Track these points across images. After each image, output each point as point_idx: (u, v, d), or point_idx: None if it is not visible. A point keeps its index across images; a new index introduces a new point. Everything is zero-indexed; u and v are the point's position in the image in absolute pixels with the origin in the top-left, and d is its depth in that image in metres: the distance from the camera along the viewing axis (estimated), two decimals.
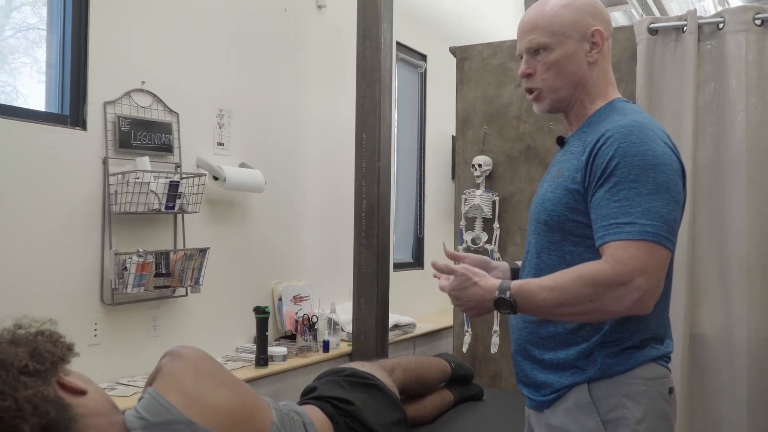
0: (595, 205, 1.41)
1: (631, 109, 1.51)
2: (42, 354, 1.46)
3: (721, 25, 2.75)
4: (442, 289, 1.54)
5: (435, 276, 1.58)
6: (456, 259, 1.79)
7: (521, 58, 1.59)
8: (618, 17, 6.47)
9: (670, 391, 1.47)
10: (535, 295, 1.40)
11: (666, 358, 1.49)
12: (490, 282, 1.46)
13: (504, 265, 1.78)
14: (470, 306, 1.50)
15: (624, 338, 1.44)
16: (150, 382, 1.65)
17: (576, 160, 1.48)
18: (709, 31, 2.78)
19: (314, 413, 1.88)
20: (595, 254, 1.41)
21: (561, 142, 1.65)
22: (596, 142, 1.43)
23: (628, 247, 1.33)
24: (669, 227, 1.35)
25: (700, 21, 2.78)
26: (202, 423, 1.51)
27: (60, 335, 1.56)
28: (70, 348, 1.56)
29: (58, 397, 1.44)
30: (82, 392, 1.49)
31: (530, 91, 1.59)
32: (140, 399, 1.59)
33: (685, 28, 2.78)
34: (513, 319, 1.61)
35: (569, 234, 1.49)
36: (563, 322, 1.48)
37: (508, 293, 1.41)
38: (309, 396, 2.02)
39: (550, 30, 1.52)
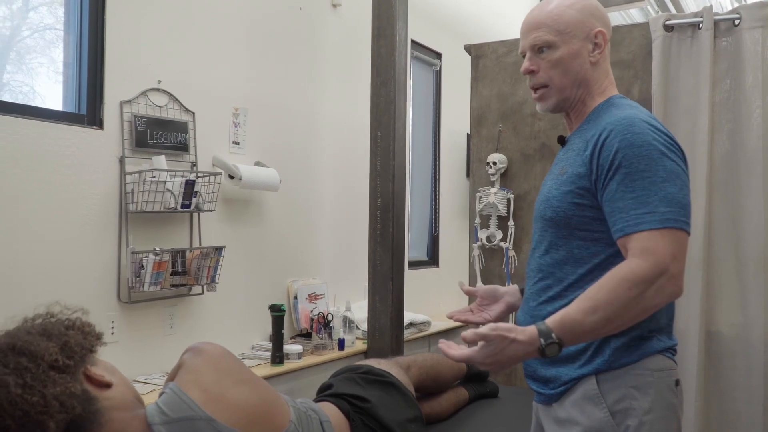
0: (608, 198, 1.42)
1: (628, 104, 1.54)
2: (72, 348, 1.47)
3: (737, 22, 2.73)
4: (472, 360, 1.37)
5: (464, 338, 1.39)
6: (471, 294, 1.84)
7: (524, 56, 1.61)
8: (634, 14, 6.44)
9: (677, 383, 1.48)
10: (580, 323, 1.34)
11: (672, 350, 1.50)
12: (527, 333, 1.34)
13: (513, 288, 1.80)
14: (510, 363, 1.38)
15: (632, 329, 1.43)
16: (171, 377, 1.66)
17: (579, 157, 1.50)
18: (725, 27, 2.76)
19: (330, 410, 1.88)
20: (603, 247, 1.44)
21: (562, 141, 1.67)
22: (599, 136, 1.45)
23: (653, 237, 1.35)
24: (686, 211, 1.38)
25: (716, 18, 2.76)
26: (221, 420, 1.52)
27: (90, 325, 1.59)
28: (99, 337, 1.58)
29: (84, 391, 1.46)
30: (107, 385, 1.51)
31: (535, 89, 1.61)
32: (161, 394, 1.61)
33: (700, 24, 2.77)
34: (520, 315, 1.62)
35: (576, 229, 1.50)
36: None
37: (553, 335, 1.33)
38: (325, 393, 2.03)
39: (556, 28, 1.55)
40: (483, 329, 1.35)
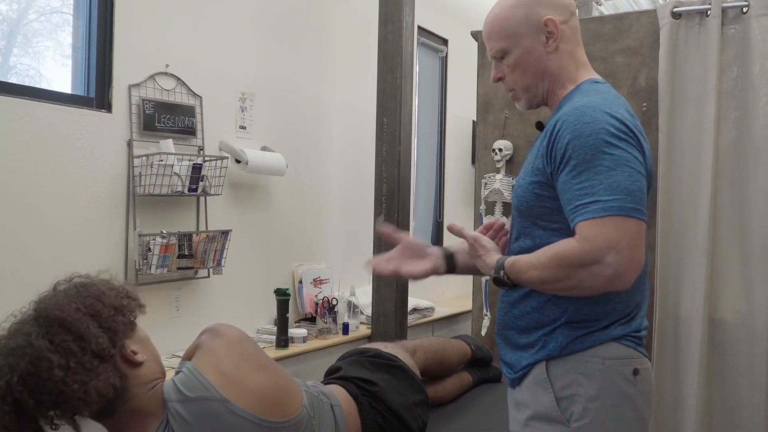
0: (560, 190, 1.43)
1: (594, 89, 1.52)
2: (118, 333, 1.50)
3: (745, 9, 2.72)
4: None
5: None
6: (389, 239, 1.80)
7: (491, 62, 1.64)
8: (641, 1, 6.41)
9: (635, 372, 1.47)
10: (523, 272, 1.46)
11: (632, 337, 1.49)
12: (492, 258, 1.54)
13: (438, 251, 1.78)
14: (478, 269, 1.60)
15: (589, 318, 1.46)
16: (188, 357, 1.69)
17: (539, 148, 1.51)
18: (733, 15, 2.75)
19: (339, 393, 1.91)
20: (563, 237, 1.44)
21: (540, 126, 1.68)
22: (554, 127, 1.45)
23: (593, 225, 1.35)
24: (634, 197, 1.36)
25: (724, 5, 2.75)
26: (236, 402, 1.54)
27: (136, 299, 1.62)
28: (141, 306, 1.63)
29: (119, 374, 1.49)
30: (139, 365, 1.54)
31: (508, 90, 1.65)
32: (178, 372, 1.63)
33: (708, 12, 2.76)
34: (499, 302, 1.64)
35: (538, 218, 1.52)
36: (532, 305, 1.51)
37: (502, 272, 1.49)
38: (333, 376, 2.05)
39: (504, 34, 1.57)
40: (468, 233, 1.59)
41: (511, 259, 1.49)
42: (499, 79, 1.63)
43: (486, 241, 1.58)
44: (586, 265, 1.35)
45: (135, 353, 1.55)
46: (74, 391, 1.39)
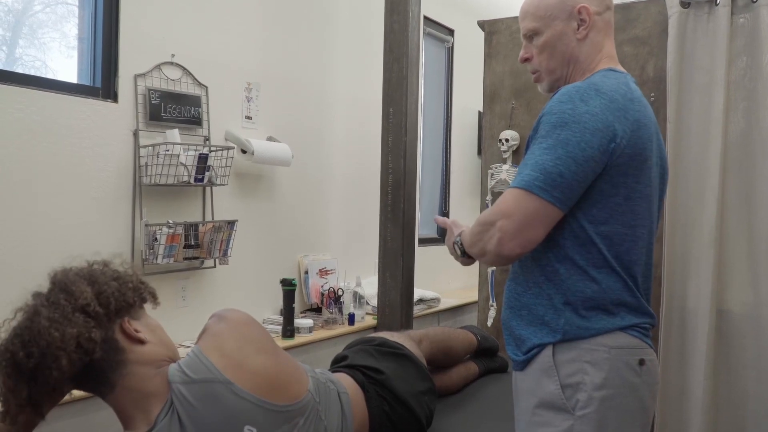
0: None
1: (601, 75, 1.55)
2: (108, 297, 1.55)
3: None
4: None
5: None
6: (443, 225, 1.92)
7: (522, 41, 1.69)
8: None
9: (641, 362, 1.48)
10: (465, 236, 1.62)
11: (639, 328, 1.50)
12: (455, 233, 1.70)
13: None
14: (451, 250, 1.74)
15: (590, 301, 1.47)
16: (197, 342, 1.70)
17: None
18: (743, 4, 2.73)
19: (346, 381, 1.91)
20: (564, 225, 1.48)
21: None
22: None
23: (506, 194, 1.46)
24: (548, 178, 1.40)
25: None
26: (239, 384, 1.55)
27: (142, 284, 1.67)
28: (142, 298, 1.66)
29: (112, 339, 1.54)
30: (140, 341, 1.57)
31: (532, 73, 1.69)
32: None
33: (718, 1, 2.74)
34: (506, 283, 1.69)
35: None
36: (521, 285, 1.58)
37: (458, 238, 1.67)
38: (340, 364, 2.05)
39: (537, 15, 1.61)
40: (448, 220, 1.80)
41: (465, 228, 1.67)
42: (526, 60, 1.67)
43: (459, 222, 1.76)
44: (488, 227, 1.47)
45: (137, 331, 1.57)
46: (54, 339, 1.44)
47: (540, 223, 1.43)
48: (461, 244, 1.64)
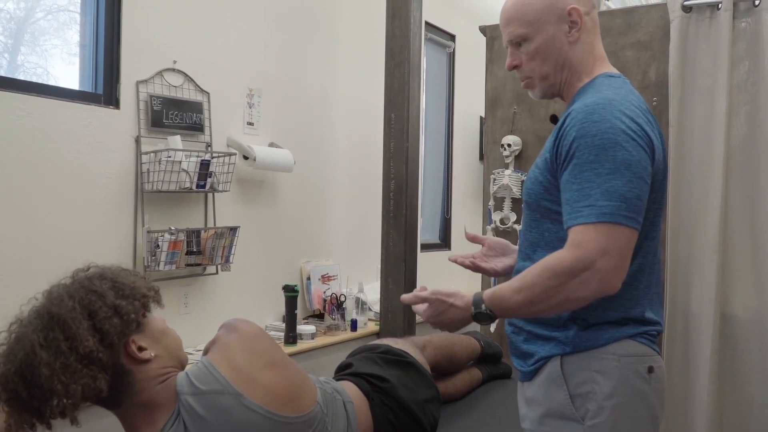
0: (562, 188, 1.42)
1: (608, 84, 1.50)
2: (111, 335, 1.49)
3: (757, 2, 2.70)
4: (419, 314, 1.58)
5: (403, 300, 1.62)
6: (477, 241, 1.86)
7: (507, 49, 1.61)
8: None
9: (650, 369, 1.46)
10: (507, 299, 1.42)
11: (647, 335, 1.48)
12: (464, 300, 1.50)
13: None
14: (453, 326, 1.55)
15: (601, 314, 1.44)
16: (206, 352, 1.69)
17: (550, 141, 1.49)
18: (745, 8, 2.73)
19: (351, 390, 1.90)
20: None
21: (554, 119, 1.66)
22: (563, 123, 1.44)
23: (586, 231, 1.33)
24: (630, 205, 1.33)
25: None
26: (249, 396, 1.54)
27: (145, 294, 1.61)
28: (157, 300, 1.63)
29: (118, 365, 1.50)
30: (146, 361, 1.54)
31: (522, 80, 1.61)
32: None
33: (720, 5, 2.74)
34: None
35: (546, 211, 1.50)
36: None
37: (483, 306, 1.46)
38: (344, 372, 2.04)
39: (525, 20, 1.53)
40: (424, 293, 1.55)
41: (488, 292, 1.46)
42: (515, 67, 1.60)
43: (444, 289, 1.54)
44: (578, 272, 1.33)
45: (142, 349, 1.54)
46: (58, 390, 1.41)
47: (630, 253, 1.37)
48: (487, 307, 1.45)
